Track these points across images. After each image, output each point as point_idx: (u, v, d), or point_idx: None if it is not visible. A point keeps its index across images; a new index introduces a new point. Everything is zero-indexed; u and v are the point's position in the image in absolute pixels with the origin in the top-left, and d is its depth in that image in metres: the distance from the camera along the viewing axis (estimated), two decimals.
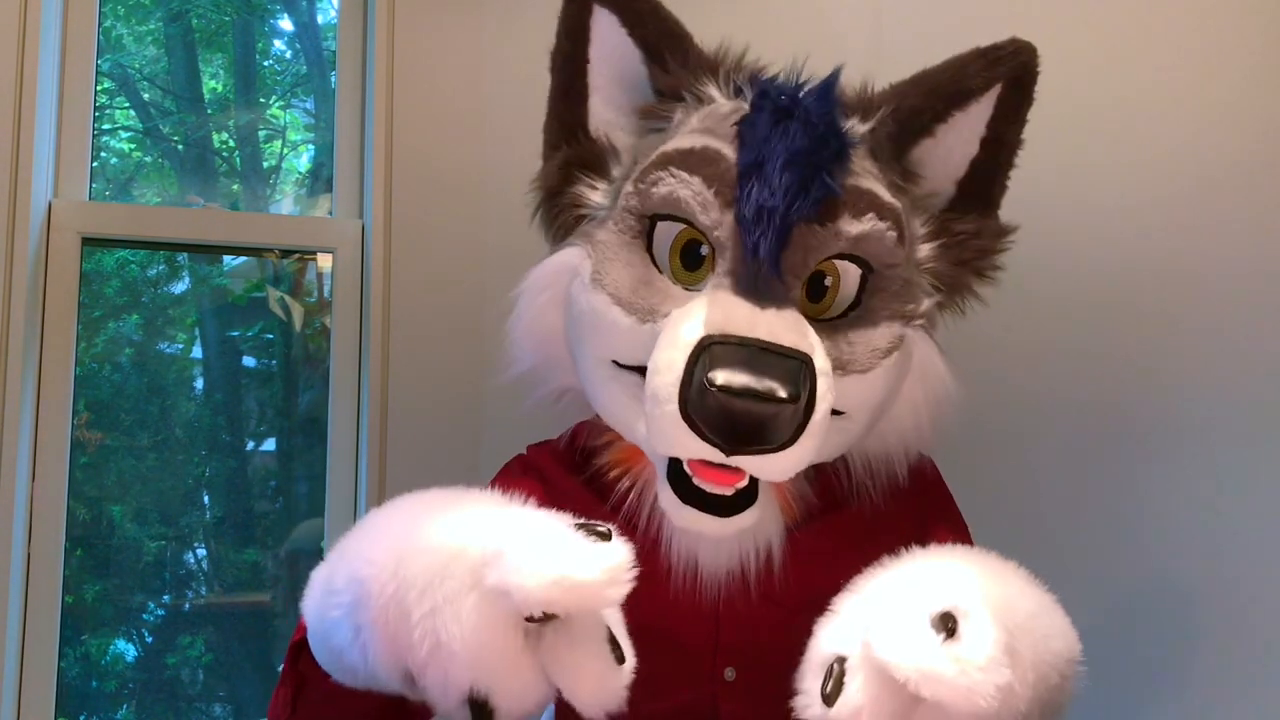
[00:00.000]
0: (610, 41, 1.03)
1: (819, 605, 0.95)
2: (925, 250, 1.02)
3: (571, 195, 1.02)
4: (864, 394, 0.93)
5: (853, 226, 0.92)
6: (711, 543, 0.96)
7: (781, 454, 0.84)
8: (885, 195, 0.96)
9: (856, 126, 0.98)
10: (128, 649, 1.92)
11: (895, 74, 1.08)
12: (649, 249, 0.96)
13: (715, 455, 0.84)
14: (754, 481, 0.89)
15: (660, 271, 0.95)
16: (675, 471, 0.89)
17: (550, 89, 1.06)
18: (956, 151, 1.04)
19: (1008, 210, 1.11)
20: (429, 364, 1.70)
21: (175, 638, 1.93)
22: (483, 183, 1.73)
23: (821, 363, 0.87)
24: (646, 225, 0.96)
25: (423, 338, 1.71)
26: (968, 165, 1.05)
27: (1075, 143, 1.57)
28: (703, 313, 0.87)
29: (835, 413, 0.91)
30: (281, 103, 2.19)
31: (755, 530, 0.95)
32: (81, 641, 1.82)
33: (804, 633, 0.96)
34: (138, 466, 1.88)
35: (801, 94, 0.93)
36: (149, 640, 1.94)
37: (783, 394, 0.82)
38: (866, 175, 0.96)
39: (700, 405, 0.82)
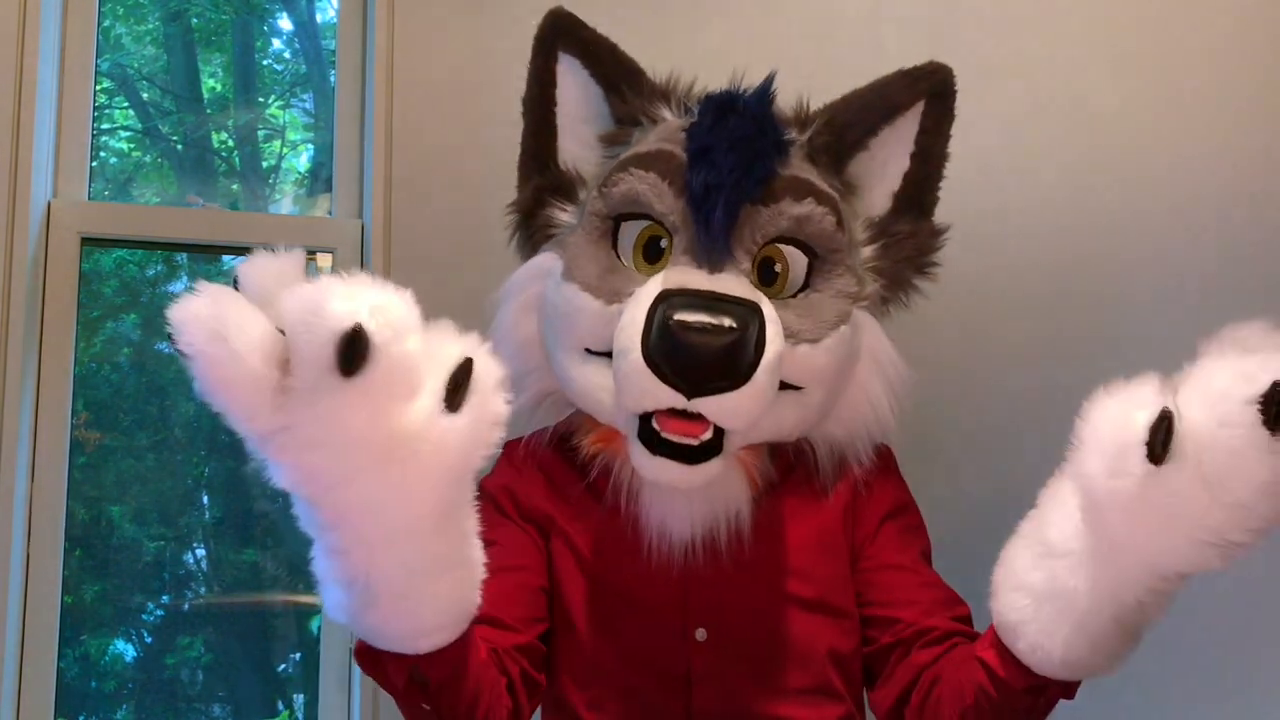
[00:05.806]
0: (573, 81, 1.17)
1: (778, 568, 1.05)
2: (868, 252, 1.12)
3: (543, 218, 1.15)
4: (816, 364, 1.03)
5: (794, 208, 1.04)
6: (682, 511, 1.03)
7: (738, 393, 0.94)
8: (823, 184, 1.07)
9: (794, 134, 1.10)
10: (127, 649, 1.91)
11: None
12: (614, 247, 1.07)
13: (678, 400, 0.94)
14: (718, 435, 0.97)
15: (625, 264, 1.07)
16: (645, 428, 0.98)
17: (523, 129, 1.19)
18: (890, 165, 1.14)
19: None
20: None
21: (175, 638, 1.93)
22: (482, 182, 1.73)
23: (771, 312, 0.98)
24: (611, 226, 1.08)
25: None
26: (900, 178, 1.15)
27: (1074, 145, 1.58)
28: (660, 278, 1.00)
29: (792, 387, 1.02)
30: (281, 102, 2.18)
31: (722, 498, 1.04)
32: (81, 641, 1.82)
33: (766, 594, 1.06)
34: (137, 466, 1.88)
35: (741, 94, 1.05)
36: (148, 640, 1.94)
37: (734, 324, 0.93)
38: (805, 170, 1.08)
39: (660, 345, 0.93)
